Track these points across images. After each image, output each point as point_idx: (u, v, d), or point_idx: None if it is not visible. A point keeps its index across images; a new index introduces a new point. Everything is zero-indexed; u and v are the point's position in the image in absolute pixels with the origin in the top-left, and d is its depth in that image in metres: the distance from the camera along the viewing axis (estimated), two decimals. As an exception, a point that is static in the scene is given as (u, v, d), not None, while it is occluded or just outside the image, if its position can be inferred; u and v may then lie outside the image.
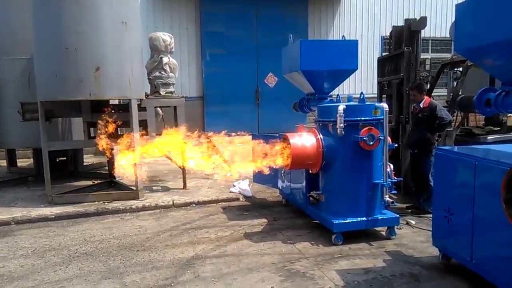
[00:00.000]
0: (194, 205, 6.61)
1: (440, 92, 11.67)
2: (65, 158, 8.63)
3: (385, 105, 4.93)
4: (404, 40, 6.78)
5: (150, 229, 5.54)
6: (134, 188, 6.83)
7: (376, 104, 5.05)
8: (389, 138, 5.00)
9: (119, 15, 6.39)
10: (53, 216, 6.01)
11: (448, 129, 6.00)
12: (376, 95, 7.78)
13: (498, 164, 3.36)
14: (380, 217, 4.99)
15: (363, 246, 4.77)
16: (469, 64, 6.27)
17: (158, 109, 7.93)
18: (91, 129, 7.88)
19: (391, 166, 5.12)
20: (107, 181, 7.83)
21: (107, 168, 8.24)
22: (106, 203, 6.53)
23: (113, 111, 6.58)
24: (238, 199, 6.92)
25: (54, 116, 7.26)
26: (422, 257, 4.44)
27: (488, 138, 6.17)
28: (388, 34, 7.95)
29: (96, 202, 6.55)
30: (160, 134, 6.58)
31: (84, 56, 6.16)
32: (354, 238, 4.89)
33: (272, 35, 11.85)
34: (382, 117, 4.86)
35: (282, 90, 11.88)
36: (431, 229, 4.39)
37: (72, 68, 6.16)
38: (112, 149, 6.76)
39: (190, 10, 11.98)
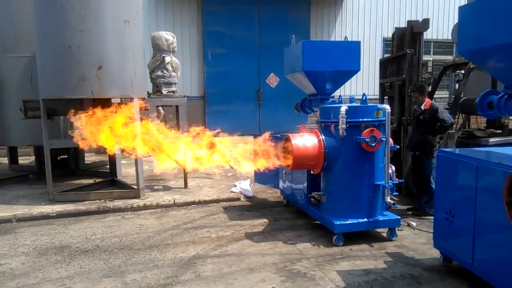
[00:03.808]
0: (195, 204, 6.62)
1: (442, 94, 11.67)
2: (66, 156, 8.64)
3: (387, 107, 4.93)
4: (406, 41, 6.78)
5: (151, 228, 5.55)
6: (135, 187, 6.84)
7: (378, 105, 5.06)
8: (391, 140, 5.01)
9: (122, 14, 6.40)
10: (55, 214, 6.03)
11: (450, 131, 6.00)
12: (378, 97, 7.78)
13: (500, 167, 3.36)
14: (381, 219, 4.99)
15: (364, 247, 4.78)
16: (471, 66, 6.27)
17: (160, 108, 7.94)
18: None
19: (393, 167, 5.12)
20: (108, 179, 7.84)
21: (108, 166, 8.25)
22: (108, 201, 6.54)
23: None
24: (239, 199, 6.92)
25: (56, 114, 7.26)
26: (423, 259, 4.44)
27: (490, 140, 6.17)
28: (391, 36, 7.95)
29: (98, 201, 6.56)
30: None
31: (86, 55, 6.17)
32: (355, 239, 4.90)
33: (274, 35, 11.87)
34: (384, 118, 4.87)
35: (283, 91, 11.90)
36: (432, 231, 4.39)
37: (75, 66, 6.17)
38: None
39: (192, 9, 11.99)
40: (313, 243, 4.92)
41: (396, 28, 7.41)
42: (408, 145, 6.29)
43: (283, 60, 6.69)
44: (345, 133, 4.79)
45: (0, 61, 7.71)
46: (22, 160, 9.60)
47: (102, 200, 6.58)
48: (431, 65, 13.21)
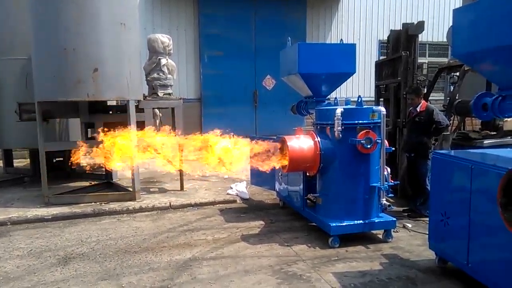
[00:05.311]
0: (191, 207, 6.61)
1: (437, 96, 11.73)
2: (62, 158, 8.61)
3: (382, 109, 4.95)
4: (401, 44, 6.82)
5: (147, 231, 5.53)
6: (131, 189, 6.82)
7: (374, 107, 5.08)
8: (386, 142, 5.02)
9: (118, 16, 6.39)
10: (50, 217, 5.99)
11: (445, 133, 6.03)
12: (373, 99, 7.81)
13: (494, 168, 3.38)
14: (377, 220, 5.00)
15: (360, 249, 4.78)
16: (466, 69, 6.31)
17: (156, 110, 7.93)
18: (89, 129, 7.87)
19: (388, 169, 5.13)
20: (104, 182, 7.82)
21: (104, 169, 8.22)
22: (103, 204, 6.51)
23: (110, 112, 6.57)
24: (235, 201, 6.91)
25: (51, 116, 7.24)
26: (418, 260, 4.45)
27: (485, 142, 6.20)
28: (386, 38, 7.99)
29: (93, 203, 6.54)
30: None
31: (82, 57, 6.15)
32: (351, 241, 4.91)
33: (270, 37, 11.87)
34: (379, 120, 4.89)
35: (280, 93, 11.90)
36: (427, 232, 4.40)
37: (70, 68, 6.16)
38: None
39: (189, 12, 12.00)
40: (309, 245, 4.92)
41: (391, 30, 7.45)
42: (403, 147, 6.32)
43: (279, 62, 6.70)
44: (340, 135, 4.80)
45: (-4, 64, 7.69)
46: (17, 163, 9.55)
47: (98, 203, 6.55)
48: (426, 67, 13.30)
